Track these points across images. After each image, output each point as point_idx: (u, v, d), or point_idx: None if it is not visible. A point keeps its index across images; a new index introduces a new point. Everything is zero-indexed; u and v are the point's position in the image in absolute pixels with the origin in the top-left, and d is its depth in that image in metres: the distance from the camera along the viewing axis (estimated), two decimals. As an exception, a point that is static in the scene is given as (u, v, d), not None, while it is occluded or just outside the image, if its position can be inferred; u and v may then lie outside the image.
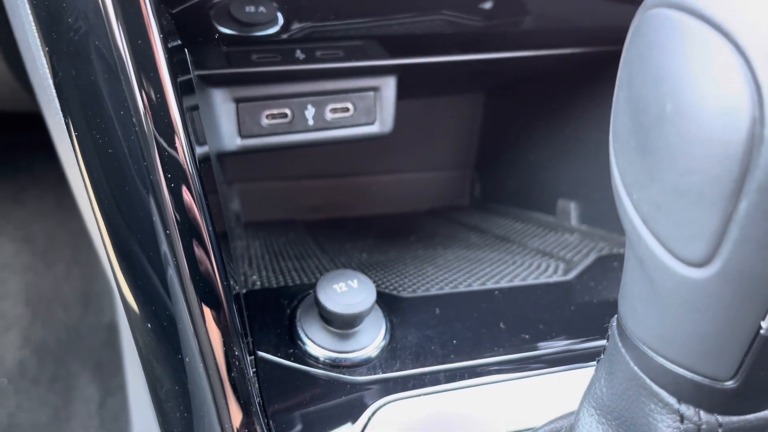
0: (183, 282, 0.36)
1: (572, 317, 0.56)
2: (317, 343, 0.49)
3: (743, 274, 0.26)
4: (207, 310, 0.36)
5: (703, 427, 0.31)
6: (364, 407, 0.45)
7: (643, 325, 0.32)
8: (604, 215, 0.72)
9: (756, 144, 0.23)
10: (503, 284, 0.59)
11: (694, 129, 0.25)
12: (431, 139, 0.93)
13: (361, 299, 0.49)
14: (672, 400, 0.32)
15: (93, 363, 1.33)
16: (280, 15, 0.46)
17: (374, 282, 0.59)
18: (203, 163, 0.40)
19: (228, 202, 0.66)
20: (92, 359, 1.34)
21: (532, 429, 0.39)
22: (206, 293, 0.36)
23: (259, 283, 0.58)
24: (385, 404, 0.45)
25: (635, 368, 0.33)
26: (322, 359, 0.49)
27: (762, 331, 0.28)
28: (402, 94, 0.61)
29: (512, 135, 0.87)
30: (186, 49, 0.42)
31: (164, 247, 0.36)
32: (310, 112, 0.57)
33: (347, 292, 0.49)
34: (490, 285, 0.59)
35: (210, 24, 0.45)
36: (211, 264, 0.36)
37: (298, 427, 0.43)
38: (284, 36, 0.48)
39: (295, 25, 0.48)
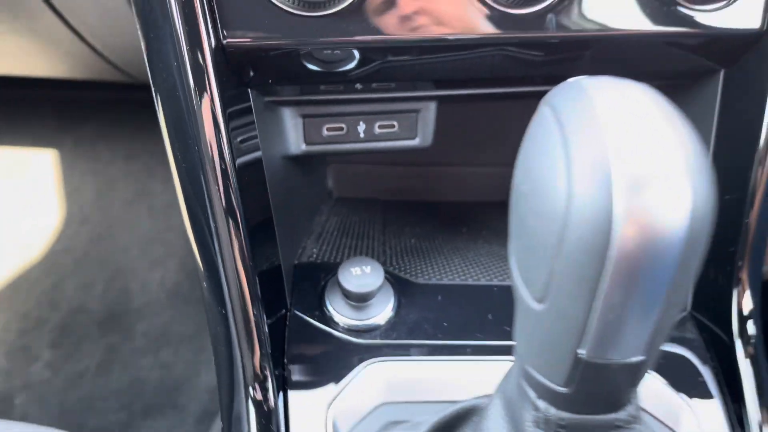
0: (223, 257, 0.54)
1: None
2: (337, 311, 0.66)
3: (561, 313, 0.37)
4: (235, 280, 0.54)
5: (551, 418, 0.43)
6: (359, 362, 0.61)
7: (520, 341, 0.44)
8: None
9: (567, 218, 0.34)
10: (505, 282, 0.70)
11: (535, 205, 0.36)
12: (513, 136, 1.02)
13: (370, 282, 0.64)
14: (533, 396, 0.43)
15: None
16: (356, 52, 0.60)
17: (399, 267, 0.73)
18: (249, 165, 0.57)
19: (303, 187, 0.83)
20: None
21: (459, 401, 0.52)
22: (233, 269, 0.54)
23: (314, 255, 0.75)
24: (375, 363, 0.61)
25: (519, 372, 0.45)
26: (340, 324, 0.65)
27: (579, 355, 0.39)
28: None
29: None
30: (249, 88, 0.59)
31: (211, 229, 0.54)
32: (361, 127, 0.71)
33: (361, 275, 0.64)
34: (495, 282, 0.70)
35: (301, 63, 0.60)
36: (241, 247, 0.54)
37: (307, 370, 0.60)
38: (356, 72, 0.63)
39: (366, 66, 0.62)
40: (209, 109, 0.52)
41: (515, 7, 0.55)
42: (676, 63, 0.66)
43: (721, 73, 0.66)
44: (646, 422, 0.50)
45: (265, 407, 0.55)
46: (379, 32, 0.55)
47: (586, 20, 0.57)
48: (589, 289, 0.34)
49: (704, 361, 0.63)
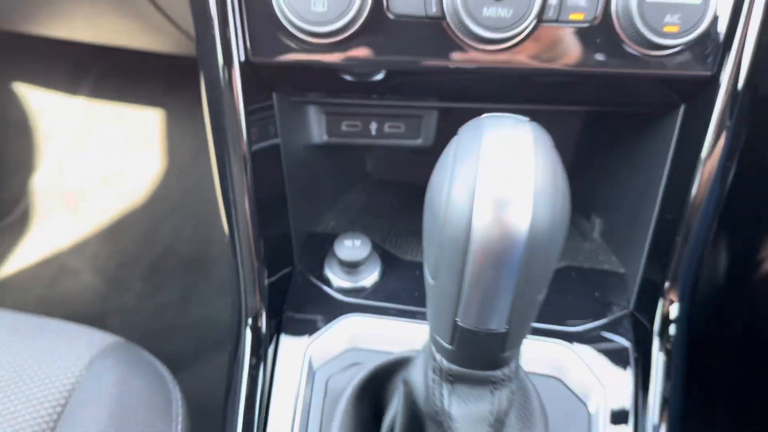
0: (238, 221, 0.71)
1: None
2: (332, 273, 0.82)
3: (444, 289, 0.51)
4: (246, 239, 0.71)
5: (443, 368, 0.54)
6: (339, 315, 0.77)
7: (427, 308, 0.57)
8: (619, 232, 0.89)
9: (445, 221, 0.48)
10: None
11: (430, 208, 0.50)
12: None
13: (357, 253, 0.79)
14: (434, 350, 0.57)
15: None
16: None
17: (394, 244, 0.88)
18: (266, 151, 0.74)
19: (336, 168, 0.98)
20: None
21: (398, 352, 0.67)
22: (245, 231, 0.71)
23: (329, 227, 0.91)
24: (350, 317, 0.77)
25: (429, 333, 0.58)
26: (333, 284, 0.81)
27: (457, 322, 0.52)
28: None
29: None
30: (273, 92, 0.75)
31: (229, 199, 0.71)
32: (373, 126, 0.86)
33: (351, 247, 0.79)
34: None
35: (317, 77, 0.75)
36: (251, 215, 0.71)
37: (298, 317, 0.77)
38: (366, 83, 0.77)
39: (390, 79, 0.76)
40: (232, 104, 0.69)
41: (481, 44, 0.67)
42: (638, 96, 0.75)
43: (682, 108, 0.75)
44: (524, 385, 0.62)
45: (259, 337, 0.73)
46: (369, 58, 0.69)
47: (538, 58, 0.68)
48: (459, 273, 0.45)
49: (630, 353, 0.74)
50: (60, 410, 0.71)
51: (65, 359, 0.74)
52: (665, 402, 0.70)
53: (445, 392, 0.55)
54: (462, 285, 0.46)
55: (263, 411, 0.71)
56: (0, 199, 1.96)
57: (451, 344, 0.51)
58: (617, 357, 0.74)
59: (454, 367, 0.53)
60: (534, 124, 0.46)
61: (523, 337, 0.52)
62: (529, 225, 0.42)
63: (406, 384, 0.60)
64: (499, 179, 0.42)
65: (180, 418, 0.77)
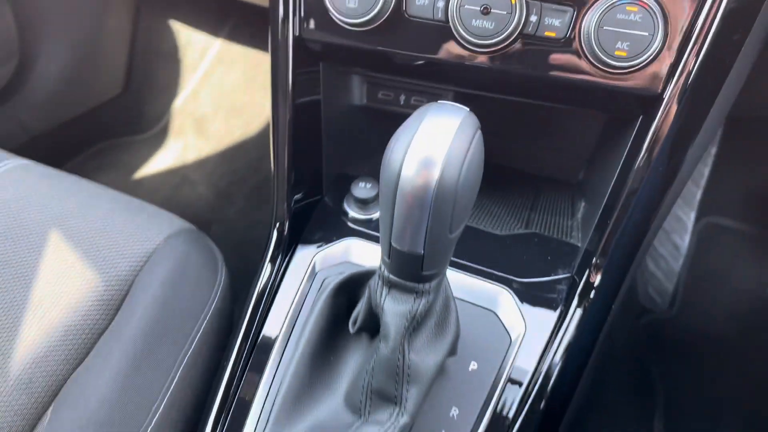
0: (278, 156, 0.97)
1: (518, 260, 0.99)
2: (348, 206, 1.06)
3: (384, 218, 0.73)
4: (282, 170, 0.97)
5: (385, 276, 0.68)
6: (345, 236, 1.01)
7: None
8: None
9: (385, 171, 0.71)
10: (480, 227, 1.04)
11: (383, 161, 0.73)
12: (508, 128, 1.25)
13: (368, 193, 1.03)
14: (381, 262, 0.77)
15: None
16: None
17: None
18: (308, 106, 0.98)
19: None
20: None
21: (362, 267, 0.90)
22: (282, 163, 0.97)
23: (355, 171, 1.15)
24: (353, 239, 1.01)
25: None
26: (349, 214, 1.06)
27: (391, 243, 0.74)
28: None
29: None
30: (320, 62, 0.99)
31: (277, 139, 0.97)
32: (402, 97, 1.07)
33: (364, 188, 1.03)
34: (473, 224, 1.04)
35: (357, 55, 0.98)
36: (288, 152, 0.97)
37: (315, 233, 1.02)
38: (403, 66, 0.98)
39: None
40: (286, 66, 0.94)
41: (473, 47, 0.87)
42: (604, 104, 0.91)
43: (640, 118, 0.90)
44: (448, 304, 0.83)
45: (281, 240, 1.00)
46: (390, 47, 0.89)
47: (518, 64, 0.85)
48: (391, 208, 0.59)
49: (558, 306, 0.93)
50: (140, 266, 1.03)
51: (151, 231, 1.06)
52: (569, 346, 0.89)
53: (384, 293, 0.71)
54: (393, 217, 0.61)
55: (272, 294, 0.98)
56: (147, 116, 2.37)
57: (389, 259, 0.67)
58: (546, 306, 0.92)
59: (390, 276, 0.69)
60: (467, 112, 0.59)
61: (440, 263, 0.66)
62: (437, 179, 0.56)
63: (368, 287, 0.79)
64: (424, 145, 0.56)
65: (221, 287, 1.06)
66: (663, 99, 0.83)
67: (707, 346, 1.77)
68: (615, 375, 1.74)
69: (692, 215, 1.93)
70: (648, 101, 0.85)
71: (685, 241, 1.93)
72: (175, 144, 2.31)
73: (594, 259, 0.91)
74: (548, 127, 1.19)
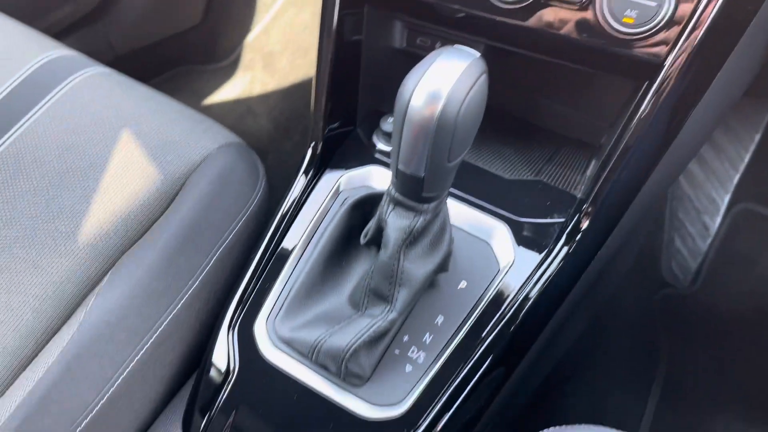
0: (318, 87, 1.10)
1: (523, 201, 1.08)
2: (377, 139, 1.19)
3: (395, 143, 0.87)
4: (320, 99, 1.11)
5: (391, 194, 0.77)
6: (370, 163, 1.14)
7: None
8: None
9: (399, 102, 0.83)
10: (495, 171, 1.15)
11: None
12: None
13: (394, 128, 1.15)
14: (390, 183, 0.90)
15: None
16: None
17: None
18: (351, 45, 1.10)
19: None
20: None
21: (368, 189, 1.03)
22: (320, 94, 1.11)
23: (388, 108, 1.27)
24: (376, 166, 1.13)
25: None
26: (376, 146, 1.18)
27: (398, 166, 0.88)
28: None
29: None
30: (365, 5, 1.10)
31: (321, 69, 1.10)
32: (438, 44, 1.17)
33: (391, 122, 1.15)
34: (486, 167, 1.15)
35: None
36: (328, 84, 1.09)
37: (344, 156, 1.15)
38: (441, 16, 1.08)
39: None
40: (333, 7, 1.06)
41: (500, 3, 0.96)
42: (618, 67, 0.98)
43: (646, 83, 0.97)
44: (444, 226, 0.95)
45: (313, 158, 1.15)
46: None
47: (538, 23, 0.94)
48: (399, 135, 0.67)
49: (547, 244, 1.03)
50: (194, 168, 1.20)
51: (207, 139, 1.22)
52: (547, 281, 0.99)
53: (389, 209, 0.80)
54: (401, 142, 0.69)
55: (299, 206, 1.13)
56: (220, 47, 2.53)
57: (395, 179, 0.75)
58: (536, 244, 1.03)
59: (396, 194, 0.77)
60: (476, 57, 0.66)
61: (439, 188, 0.74)
62: (439, 111, 0.63)
63: (379, 205, 0.89)
64: (432, 81, 0.63)
65: (260, 194, 1.23)
66: (664, 66, 0.90)
67: (721, 328, 1.81)
68: (620, 341, 1.82)
69: (726, 198, 1.95)
70: (651, 68, 0.92)
71: (716, 222, 1.96)
72: (243, 76, 2.46)
73: (584, 206, 1.01)
74: (577, 90, 1.27)
